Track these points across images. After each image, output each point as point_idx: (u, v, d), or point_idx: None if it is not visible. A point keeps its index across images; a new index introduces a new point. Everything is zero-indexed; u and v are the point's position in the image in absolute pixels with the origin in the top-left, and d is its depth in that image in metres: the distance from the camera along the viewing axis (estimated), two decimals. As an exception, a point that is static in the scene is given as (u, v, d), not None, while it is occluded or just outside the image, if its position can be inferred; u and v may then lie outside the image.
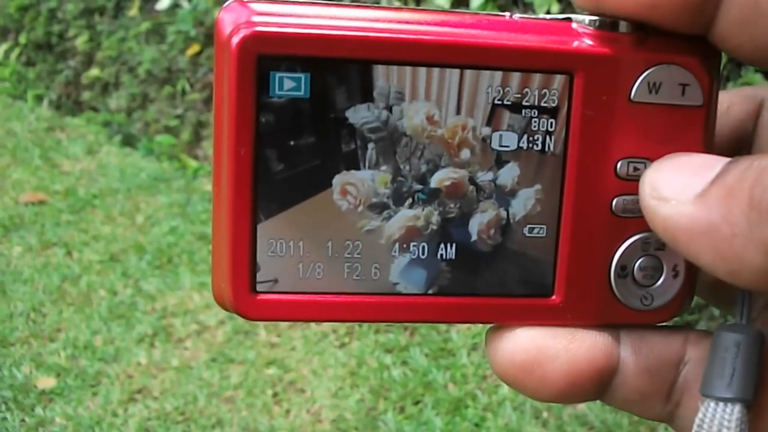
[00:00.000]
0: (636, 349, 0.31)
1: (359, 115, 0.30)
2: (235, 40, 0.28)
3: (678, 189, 0.26)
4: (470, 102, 0.30)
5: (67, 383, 2.27)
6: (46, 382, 2.28)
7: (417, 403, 2.10)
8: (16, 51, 4.76)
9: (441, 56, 0.29)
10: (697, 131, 0.31)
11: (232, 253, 0.30)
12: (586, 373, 0.30)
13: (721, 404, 0.28)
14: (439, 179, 0.30)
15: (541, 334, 0.30)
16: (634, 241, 0.31)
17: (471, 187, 0.31)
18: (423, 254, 0.31)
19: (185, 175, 3.39)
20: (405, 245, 0.31)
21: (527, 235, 0.31)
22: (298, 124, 0.30)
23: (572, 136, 0.31)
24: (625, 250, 0.31)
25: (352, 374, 2.21)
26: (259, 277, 0.31)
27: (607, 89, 0.31)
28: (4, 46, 4.80)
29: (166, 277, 2.71)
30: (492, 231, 0.31)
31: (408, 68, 0.29)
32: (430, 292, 0.31)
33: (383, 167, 0.30)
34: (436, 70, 0.29)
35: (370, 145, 0.30)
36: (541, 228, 0.31)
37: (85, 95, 4.29)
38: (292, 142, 0.30)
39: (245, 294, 0.31)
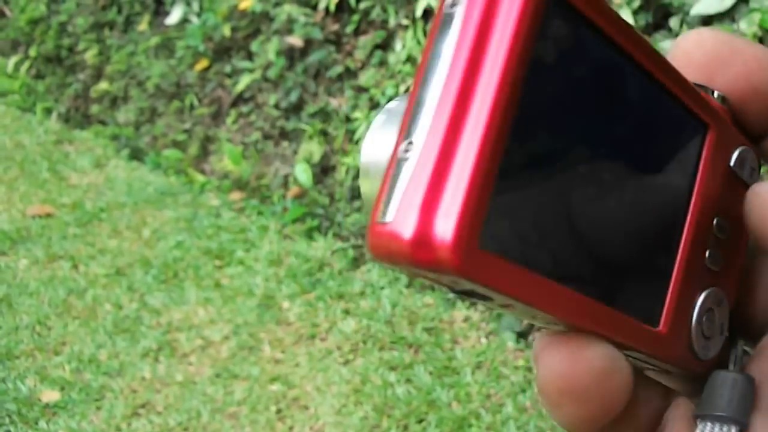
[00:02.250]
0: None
1: None
2: None
3: None
4: None
5: (71, 397, 2.27)
6: (51, 395, 2.28)
7: (421, 421, 2.09)
8: (26, 64, 4.79)
9: None
10: None
11: (469, 190, 0.23)
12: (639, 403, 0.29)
13: (718, 424, 0.28)
14: None
15: (615, 350, 0.28)
16: (709, 293, 0.31)
17: None
18: None
19: (192, 190, 3.40)
20: None
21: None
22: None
23: (699, 182, 0.31)
24: (704, 299, 0.31)
25: (356, 391, 2.21)
26: (487, 230, 0.24)
27: (722, 150, 0.32)
28: (14, 59, 4.83)
29: (171, 291, 2.71)
30: None
31: None
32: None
33: None
34: None
35: None
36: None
37: (94, 109, 4.30)
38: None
39: (469, 245, 0.23)
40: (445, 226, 0.22)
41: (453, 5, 0.24)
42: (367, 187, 0.30)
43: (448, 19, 0.24)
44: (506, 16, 0.24)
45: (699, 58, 0.30)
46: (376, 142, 0.30)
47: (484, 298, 0.24)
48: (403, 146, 0.24)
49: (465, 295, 0.25)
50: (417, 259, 0.23)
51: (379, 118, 0.30)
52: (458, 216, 0.23)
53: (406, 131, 0.24)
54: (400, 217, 0.23)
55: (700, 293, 0.31)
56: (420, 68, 0.24)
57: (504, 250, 0.24)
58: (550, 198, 0.26)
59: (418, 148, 0.23)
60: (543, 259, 0.25)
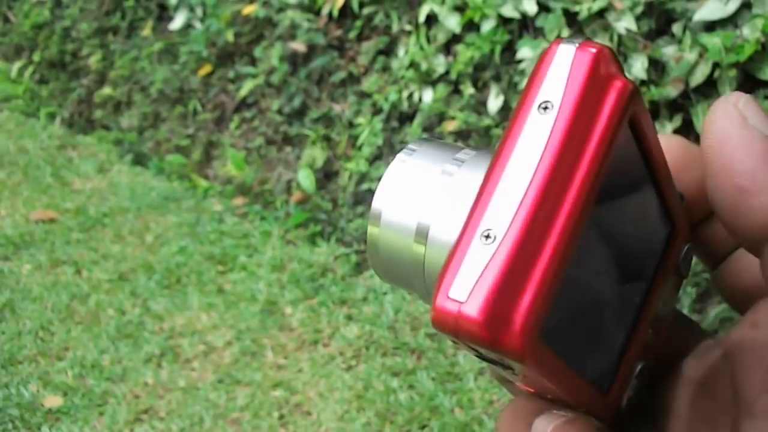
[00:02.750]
0: None
1: None
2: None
3: None
4: None
5: (74, 402, 2.27)
6: (53, 401, 2.28)
7: (423, 427, 2.09)
8: (30, 69, 4.79)
9: None
10: None
11: (541, 288, 0.25)
12: None
13: None
14: None
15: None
16: (645, 363, 0.33)
17: None
18: None
19: (195, 195, 3.40)
20: None
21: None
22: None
23: (659, 273, 0.33)
24: (641, 369, 0.33)
25: (359, 397, 2.21)
26: (546, 326, 0.26)
27: (677, 247, 0.34)
28: (18, 64, 4.83)
29: (174, 297, 2.71)
30: None
31: None
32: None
33: None
34: None
35: None
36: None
37: (98, 114, 4.31)
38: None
39: (532, 336, 0.25)
40: (517, 316, 0.25)
41: (545, 108, 0.26)
42: (376, 232, 0.32)
43: (538, 120, 0.26)
44: (603, 128, 0.26)
45: (669, 160, 0.32)
46: (392, 190, 0.32)
47: (508, 367, 0.27)
48: (481, 230, 0.26)
49: (491, 362, 0.27)
50: (486, 340, 0.25)
51: (396, 166, 0.31)
52: (529, 309, 0.25)
53: (484, 216, 0.26)
54: (475, 299, 0.25)
55: (639, 364, 0.32)
56: (500, 155, 0.26)
57: (554, 345, 0.26)
58: (589, 299, 0.29)
59: (498, 237, 0.25)
60: (575, 355, 0.28)
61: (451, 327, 0.25)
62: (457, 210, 0.29)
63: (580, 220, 0.26)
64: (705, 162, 0.30)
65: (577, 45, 0.27)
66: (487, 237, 0.25)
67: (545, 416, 0.29)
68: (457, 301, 0.25)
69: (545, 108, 0.26)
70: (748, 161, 0.28)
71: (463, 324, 0.25)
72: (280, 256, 2.84)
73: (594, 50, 0.27)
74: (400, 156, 0.32)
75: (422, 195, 0.30)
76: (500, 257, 0.25)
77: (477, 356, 0.27)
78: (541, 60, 0.27)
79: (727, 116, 0.30)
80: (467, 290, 0.25)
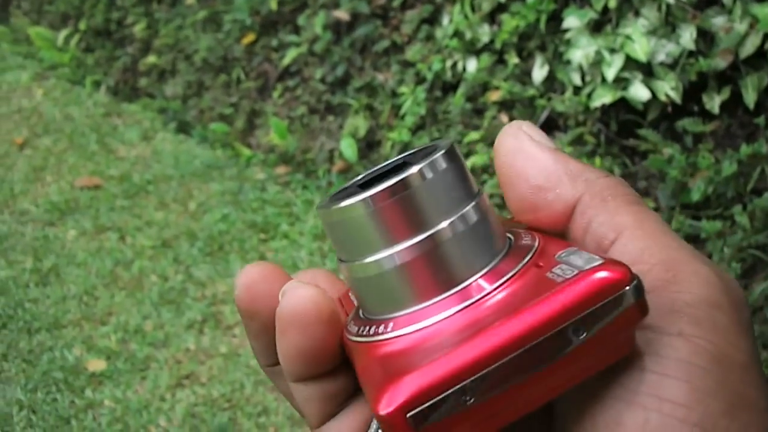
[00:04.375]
0: None
1: None
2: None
3: None
4: None
5: (117, 367, 2.30)
6: (97, 364, 2.31)
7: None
8: (76, 37, 4.83)
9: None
10: None
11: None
12: None
13: None
14: None
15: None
16: None
17: None
18: None
19: (238, 163, 3.41)
20: None
21: None
22: None
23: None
24: None
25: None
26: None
27: None
28: (64, 32, 4.87)
29: (216, 264, 2.73)
30: None
31: None
32: None
33: None
34: None
35: None
36: None
37: (142, 82, 4.33)
38: None
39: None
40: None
41: (580, 332, 0.29)
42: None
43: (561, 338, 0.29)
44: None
45: None
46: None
47: None
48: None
49: None
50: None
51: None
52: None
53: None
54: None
55: None
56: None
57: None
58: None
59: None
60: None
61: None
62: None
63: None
64: (501, 177, 0.35)
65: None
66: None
67: None
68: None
69: (579, 332, 0.29)
70: (540, 165, 0.34)
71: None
72: (322, 226, 2.84)
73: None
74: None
75: None
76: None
77: None
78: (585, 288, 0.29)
79: (515, 136, 0.35)
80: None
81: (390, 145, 3.04)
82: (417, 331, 0.31)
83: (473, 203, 0.32)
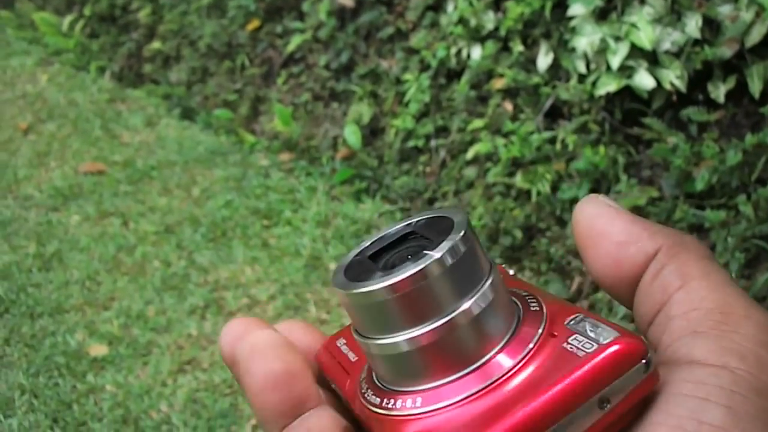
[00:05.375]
0: None
1: None
2: None
3: None
4: None
5: (119, 352, 2.30)
6: (99, 349, 2.32)
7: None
8: (81, 23, 4.82)
9: None
10: None
11: None
12: None
13: None
14: None
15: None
16: None
17: None
18: None
19: (242, 150, 3.41)
20: None
21: None
22: None
23: None
24: None
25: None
26: None
27: None
28: (69, 18, 4.86)
29: (219, 250, 2.73)
30: None
31: None
32: None
33: None
34: None
35: None
36: None
37: (147, 68, 4.33)
38: None
39: None
40: None
41: (604, 403, 0.30)
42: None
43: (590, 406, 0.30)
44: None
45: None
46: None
47: None
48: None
49: None
50: None
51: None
52: None
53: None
54: None
55: None
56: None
57: None
58: None
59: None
60: None
61: None
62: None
63: None
64: (581, 240, 0.38)
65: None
66: None
67: None
68: None
69: (604, 402, 0.30)
70: (621, 224, 0.37)
71: None
72: (325, 212, 2.84)
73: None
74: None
75: None
76: None
77: None
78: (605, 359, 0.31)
79: (594, 203, 0.38)
80: None
81: (394, 132, 3.04)
82: (444, 408, 0.31)
83: (489, 280, 0.32)
